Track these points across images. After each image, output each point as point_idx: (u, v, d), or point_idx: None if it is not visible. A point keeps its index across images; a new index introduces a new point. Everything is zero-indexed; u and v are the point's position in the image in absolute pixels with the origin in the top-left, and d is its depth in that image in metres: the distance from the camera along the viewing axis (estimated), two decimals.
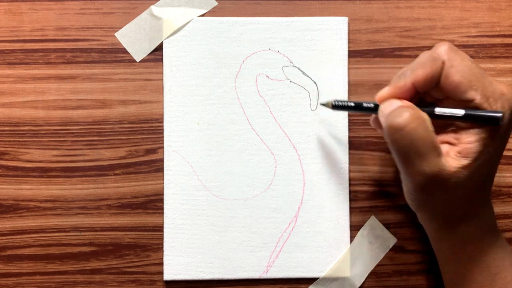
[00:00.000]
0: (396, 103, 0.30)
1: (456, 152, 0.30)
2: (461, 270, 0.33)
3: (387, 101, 0.31)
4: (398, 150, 0.30)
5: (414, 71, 0.30)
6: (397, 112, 0.29)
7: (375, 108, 0.32)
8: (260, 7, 0.39)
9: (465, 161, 0.29)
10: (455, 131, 0.31)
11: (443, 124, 0.32)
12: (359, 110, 0.34)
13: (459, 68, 0.29)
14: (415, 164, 0.29)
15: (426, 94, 0.33)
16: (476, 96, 0.29)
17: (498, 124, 0.29)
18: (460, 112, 0.30)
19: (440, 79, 0.30)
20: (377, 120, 0.33)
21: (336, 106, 0.35)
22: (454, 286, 0.34)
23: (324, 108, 0.37)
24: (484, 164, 0.30)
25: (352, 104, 0.34)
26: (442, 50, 0.30)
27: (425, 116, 0.30)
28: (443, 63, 0.30)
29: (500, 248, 0.33)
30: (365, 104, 0.33)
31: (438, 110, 0.30)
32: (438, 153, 0.29)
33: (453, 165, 0.29)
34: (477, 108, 0.29)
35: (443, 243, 0.34)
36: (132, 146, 0.39)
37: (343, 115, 0.39)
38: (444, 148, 0.30)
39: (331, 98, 0.36)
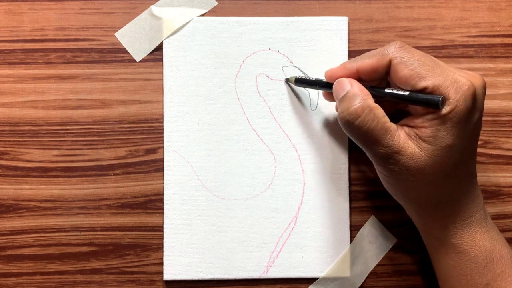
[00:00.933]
0: (346, 85, 0.32)
1: (414, 134, 0.31)
2: (449, 263, 0.34)
3: (337, 82, 0.33)
4: (354, 139, 0.33)
5: (362, 59, 0.33)
6: (346, 103, 0.32)
7: (331, 86, 0.35)
8: (260, 7, 0.39)
9: (422, 143, 0.31)
10: (414, 117, 0.32)
11: (407, 112, 0.34)
12: (317, 86, 0.36)
13: (408, 63, 0.31)
14: (372, 148, 0.32)
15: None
16: (427, 85, 0.30)
17: (438, 108, 0.30)
18: (405, 93, 0.31)
19: (390, 76, 0.32)
20: (326, 94, 0.37)
21: (299, 81, 0.37)
22: (446, 280, 0.34)
23: (292, 85, 0.38)
24: (449, 153, 0.31)
25: (313, 78, 0.36)
26: (392, 48, 0.32)
27: (372, 104, 0.31)
28: (390, 60, 0.32)
29: (489, 240, 0.33)
30: (324, 81, 0.35)
31: (387, 90, 0.32)
32: (391, 135, 0.31)
33: (411, 145, 0.31)
34: None
35: (428, 235, 0.35)
36: (132, 146, 0.39)
37: None
38: (406, 130, 0.32)
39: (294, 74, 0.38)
